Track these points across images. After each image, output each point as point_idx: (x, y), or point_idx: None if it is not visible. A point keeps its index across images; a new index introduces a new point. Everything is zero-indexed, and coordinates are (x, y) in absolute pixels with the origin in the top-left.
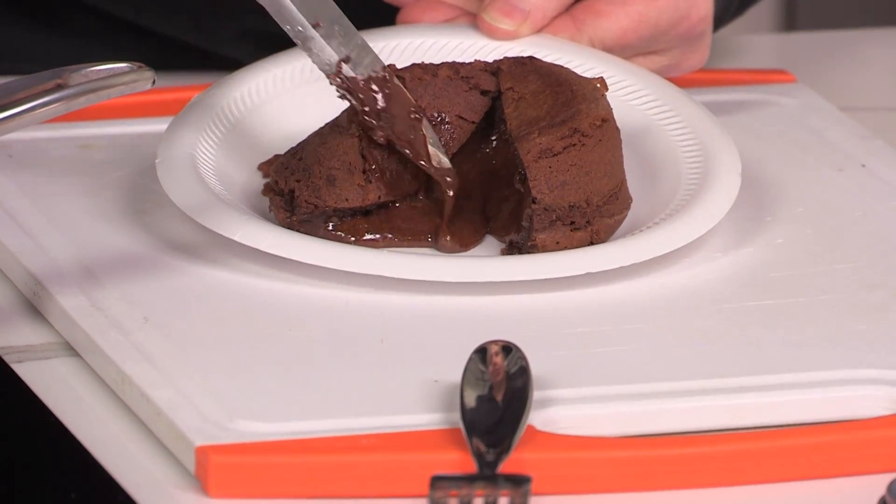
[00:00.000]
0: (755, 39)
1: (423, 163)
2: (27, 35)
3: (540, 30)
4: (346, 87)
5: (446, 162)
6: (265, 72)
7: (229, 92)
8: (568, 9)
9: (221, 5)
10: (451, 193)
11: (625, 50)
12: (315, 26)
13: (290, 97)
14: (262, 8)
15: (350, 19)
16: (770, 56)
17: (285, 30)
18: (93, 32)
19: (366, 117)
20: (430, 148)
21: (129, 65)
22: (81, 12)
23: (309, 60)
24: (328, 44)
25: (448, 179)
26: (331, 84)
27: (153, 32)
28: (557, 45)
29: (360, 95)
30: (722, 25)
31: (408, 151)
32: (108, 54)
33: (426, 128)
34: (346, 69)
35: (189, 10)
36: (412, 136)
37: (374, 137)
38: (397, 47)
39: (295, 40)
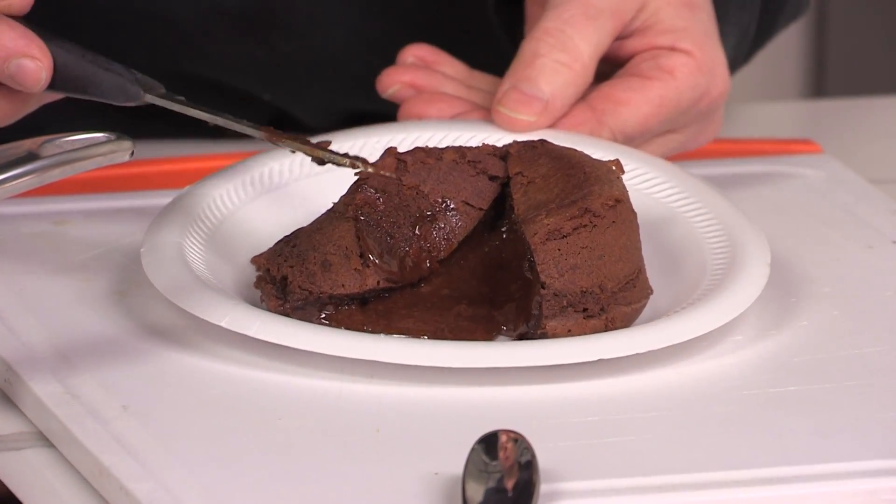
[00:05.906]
0: (779, 107)
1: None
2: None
3: (559, 118)
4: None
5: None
6: (250, 171)
7: (212, 190)
8: (584, 96)
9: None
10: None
11: (644, 135)
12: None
13: (279, 193)
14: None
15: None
16: (795, 124)
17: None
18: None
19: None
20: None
21: (107, 134)
22: None
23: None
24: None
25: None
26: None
27: None
28: (571, 137)
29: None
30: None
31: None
32: (81, 122)
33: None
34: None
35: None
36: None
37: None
38: (404, 141)
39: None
